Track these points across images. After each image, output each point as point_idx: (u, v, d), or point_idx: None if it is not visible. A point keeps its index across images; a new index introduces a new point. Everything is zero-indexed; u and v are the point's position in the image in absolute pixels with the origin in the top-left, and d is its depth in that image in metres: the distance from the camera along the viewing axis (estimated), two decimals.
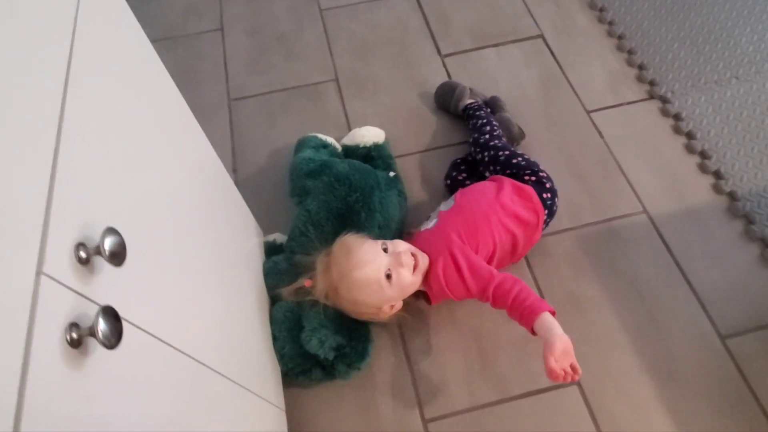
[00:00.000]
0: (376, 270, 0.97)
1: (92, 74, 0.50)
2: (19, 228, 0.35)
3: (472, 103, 1.33)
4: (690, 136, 1.33)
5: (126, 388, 0.44)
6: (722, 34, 1.50)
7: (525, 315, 0.92)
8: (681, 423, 1.01)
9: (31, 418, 0.32)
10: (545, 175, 1.15)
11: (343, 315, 1.04)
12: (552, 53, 1.52)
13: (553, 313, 0.92)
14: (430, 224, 1.09)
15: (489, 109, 1.33)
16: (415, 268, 1.00)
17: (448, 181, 1.27)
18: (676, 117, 1.36)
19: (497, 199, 1.08)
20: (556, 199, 1.14)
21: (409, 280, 1.00)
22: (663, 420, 1.02)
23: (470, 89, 1.37)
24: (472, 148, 1.23)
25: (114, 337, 0.38)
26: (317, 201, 1.12)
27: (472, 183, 1.21)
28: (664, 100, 1.40)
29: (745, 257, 1.17)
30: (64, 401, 0.36)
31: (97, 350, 0.39)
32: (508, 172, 1.15)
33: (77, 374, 0.37)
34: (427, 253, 1.03)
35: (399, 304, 1.04)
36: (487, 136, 1.21)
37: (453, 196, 1.13)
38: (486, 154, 1.18)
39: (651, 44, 1.50)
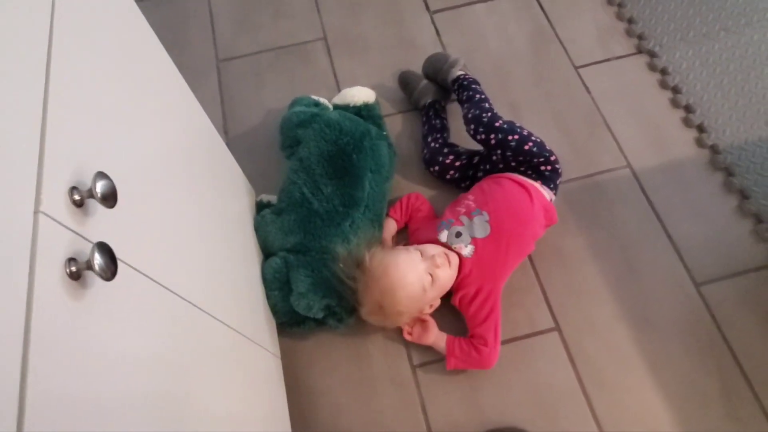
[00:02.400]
0: (419, 278, 1.01)
1: (77, 28, 0.52)
2: (15, 171, 0.38)
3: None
4: (676, 90, 1.35)
5: (123, 320, 0.47)
6: None
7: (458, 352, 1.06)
8: (654, 363, 1.07)
9: (38, 346, 0.36)
10: (555, 158, 1.12)
11: (331, 278, 1.04)
12: (542, 7, 1.51)
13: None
14: (465, 250, 1.06)
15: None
16: (449, 265, 1.04)
17: (435, 168, 1.22)
18: (663, 71, 1.37)
19: (534, 222, 1.10)
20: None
21: (447, 277, 1.04)
22: (639, 362, 1.08)
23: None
24: (471, 125, 1.15)
25: (110, 270, 0.41)
26: (308, 147, 1.14)
27: (462, 173, 1.20)
28: (651, 54, 1.40)
29: (722, 208, 1.21)
30: (67, 330, 0.40)
31: (95, 283, 0.43)
32: (521, 158, 1.11)
33: (78, 304, 0.41)
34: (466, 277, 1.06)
35: (437, 302, 1.08)
36: (490, 114, 1.14)
37: (486, 220, 1.06)
38: (494, 136, 1.11)
39: None
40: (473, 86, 1.25)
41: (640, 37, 1.42)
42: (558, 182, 1.15)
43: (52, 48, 0.46)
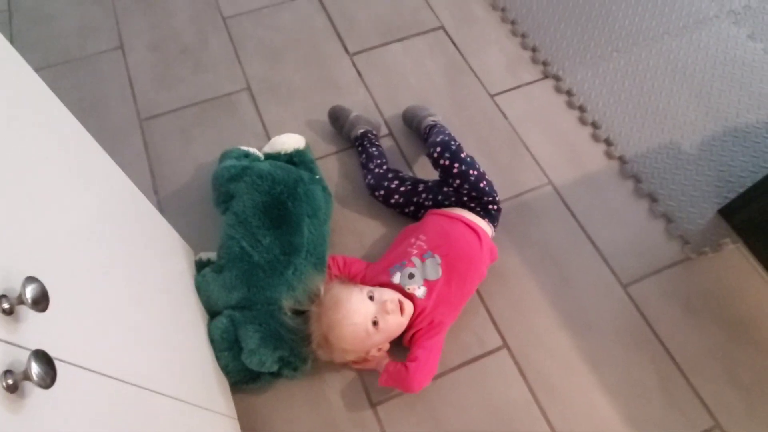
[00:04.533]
0: (363, 319, 1.02)
1: None
2: None
3: (367, 131, 1.36)
4: (582, 109, 1.47)
5: (67, 421, 0.46)
6: (601, 12, 1.65)
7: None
8: (598, 365, 1.15)
9: None
10: (499, 198, 1.21)
11: (280, 329, 1.05)
12: (453, 43, 1.61)
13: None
14: (418, 291, 1.09)
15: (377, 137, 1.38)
16: (402, 312, 1.05)
17: (381, 192, 1.25)
18: (569, 93, 1.50)
19: (482, 265, 1.15)
20: None
21: (396, 323, 1.05)
22: (583, 365, 1.15)
23: (356, 115, 1.38)
24: (438, 149, 1.15)
25: (49, 377, 0.40)
26: (242, 201, 1.14)
27: (407, 198, 1.23)
28: (556, 78, 1.53)
29: (636, 212, 1.32)
30: None
31: (34, 392, 0.42)
32: (474, 195, 1.17)
33: (18, 417, 0.40)
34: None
35: (386, 346, 1.09)
36: (458, 144, 1.17)
37: (438, 263, 1.10)
38: (457, 165, 1.15)
39: (541, 27, 1.62)
40: (444, 128, 1.30)
41: (545, 63, 1.55)
42: (499, 220, 1.23)
43: None
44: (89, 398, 0.51)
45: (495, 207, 1.20)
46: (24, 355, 0.42)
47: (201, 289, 1.10)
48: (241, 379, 1.07)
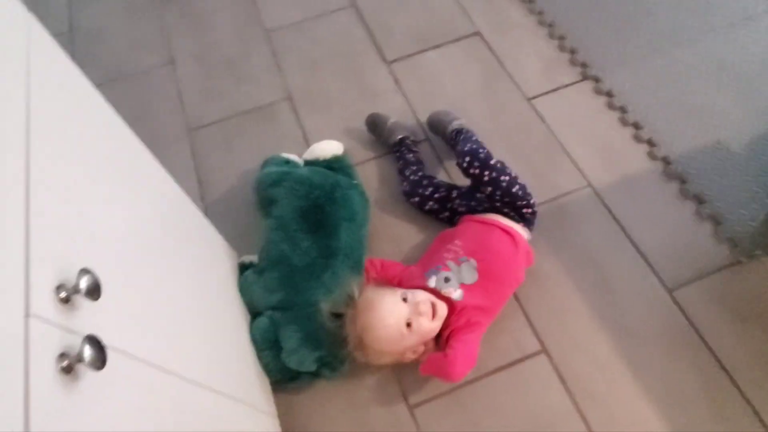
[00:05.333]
0: (397, 321, 1.03)
1: (50, 129, 0.56)
2: (4, 279, 0.41)
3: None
4: (623, 110, 1.44)
5: (116, 405, 0.50)
6: (642, 11, 1.61)
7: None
8: (640, 371, 1.11)
9: None
10: (535, 201, 1.18)
11: (319, 330, 1.08)
12: (490, 48, 1.61)
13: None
14: (455, 294, 1.09)
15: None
16: (434, 315, 1.06)
17: (416, 199, 1.28)
18: (608, 94, 1.47)
19: (519, 269, 1.15)
20: None
21: (429, 327, 1.06)
22: (625, 372, 1.11)
23: (393, 121, 1.40)
24: (467, 158, 1.15)
25: (99, 361, 0.44)
26: (281, 205, 1.18)
27: (441, 205, 1.25)
28: (596, 79, 1.50)
29: (682, 215, 1.28)
30: (64, 423, 0.42)
31: (86, 374, 0.45)
32: (507, 200, 1.16)
33: (72, 397, 0.43)
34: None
35: (421, 348, 1.09)
36: (486, 151, 1.17)
37: (474, 267, 1.11)
38: (487, 173, 1.14)
39: (579, 29, 1.60)
40: (470, 132, 1.31)
41: (584, 65, 1.52)
42: (535, 224, 1.21)
43: (30, 153, 0.50)
44: (135, 384, 0.55)
45: (530, 211, 1.19)
46: (77, 341, 0.46)
47: (243, 290, 1.14)
48: (281, 378, 1.11)
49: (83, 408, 0.45)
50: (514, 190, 1.16)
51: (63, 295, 0.46)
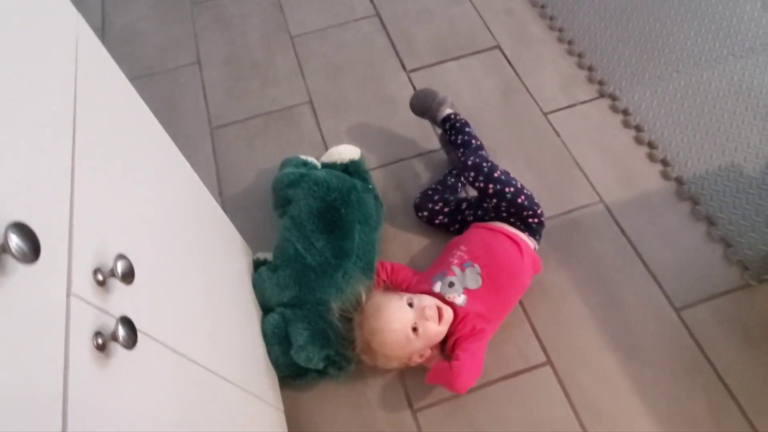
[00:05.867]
0: (403, 326, 1.05)
1: (93, 120, 0.59)
2: (50, 263, 0.45)
3: (455, 114, 1.35)
4: (638, 128, 1.45)
5: (142, 385, 0.53)
6: (662, 32, 1.63)
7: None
8: (645, 390, 1.12)
9: (74, 410, 0.41)
10: (542, 211, 1.19)
11: (328, 329, 1.10)
12: (509, 62, 1.64)
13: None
14: (458, 299, 1.11)
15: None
16: (440, 319, 1.07)
17: (425, 214, 1.29)
18: (625, 112, 1.48)
19: (524, 275, 1.16)
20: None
21: (435, 331, 1.08)
22: (627, 389, 1.12)
23: (452, 101, 1.40)
24: (471, 173, 1.17)
25: (132, 340, 0.47)
26: (298, 205, 1.22)
27: (451, 219, 1.27)
28: (613, 97, 1.52)
29: (693, 235, 1.29)
30: (96, 395, 0.45)
31: (117, 353, 0.48)
32: (513, 210, 1.17)
33: (104, 372, 0.46)
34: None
35: (428, 353, 1.10)
36: (489, 164, 1.18)
37: (478, 272, 1.12)
38: (492, 186, 1.16)
39: (598, 46, 1.62)
40: (466, 129, 1.32)
41: (601, 83, 1.54)
42: (542, 233, 1.22)
43: (75, 148, 0.53)
44: (160, 368, 0.58)
45: (536, 220, 1.19)
46: (111, 322, 0.49)
47: (257, 286, 1.17)
48: (289, 373, 1.13)
49: (114, 384, 0.48)
50: (519, 200, 1.17)
51: (100, 278, 0.49)
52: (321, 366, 1.11)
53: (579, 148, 1.44)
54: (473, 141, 1.31)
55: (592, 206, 1.35)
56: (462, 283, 1.13)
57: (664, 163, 1.39)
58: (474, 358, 1.08)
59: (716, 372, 1.13)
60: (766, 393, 1.10)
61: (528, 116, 1.52)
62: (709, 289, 1.22)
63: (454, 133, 1.33)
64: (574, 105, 1.52)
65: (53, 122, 0.52)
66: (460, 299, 1.11)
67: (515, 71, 1.61)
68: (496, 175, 1.17)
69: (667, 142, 1.42)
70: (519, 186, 1.18)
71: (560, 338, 1.19)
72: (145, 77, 1.69)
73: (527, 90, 1.57)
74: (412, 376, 1.16)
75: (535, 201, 1.19)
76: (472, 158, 1.19)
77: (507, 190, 1.16)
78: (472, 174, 1.17)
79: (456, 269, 1.15)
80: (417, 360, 1.11)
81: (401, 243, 1.34)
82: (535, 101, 1.54)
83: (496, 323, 1.14)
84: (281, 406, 1.11)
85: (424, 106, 1.39)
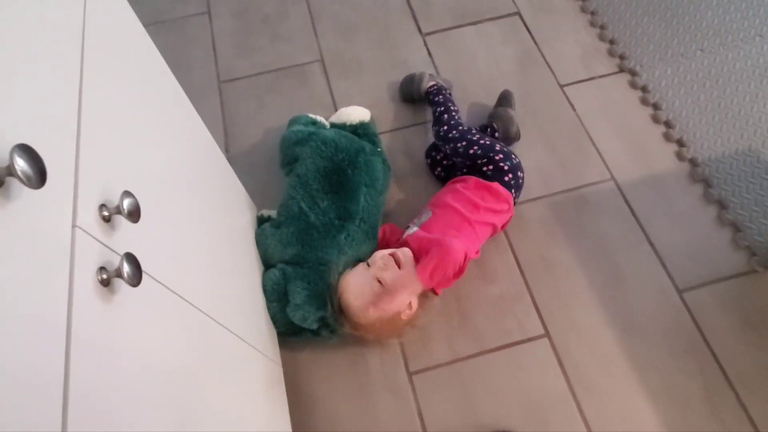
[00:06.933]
0: (367, 286, 1.07)
1: (102, 58, 0.57)
2: (56, 190, 0.43)
3: (432, 86, 1.40)
4: (656, 106, 1.42)
5: (144, 324, 0.52)
6: (689, 8, 1.57)
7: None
8: (641, 367, 1.12)
9: (77, 342, 0.41)
10: (501, 157, 1.18)
11: (326, 290, 1.10)
12: (528, 30, 1.59)
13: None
14: (410, 231, 1.17)
15: (448, 92, 1.40)
16: (398, 264, 1.08)
17: (429, 160, 1.36)
18: (644, 89, 1.45)
19: (469, 202, 1.15)
20: (519, 173, 1.19)
21: (398, 273, 1.07)
22: (625, 366, 1.13)
23: (430, 74, 1.42)
24: (440, 143, 1.28)
25: (136, 278, 0.46)
26: (305, 164, 1.20)
27: (448, 173, 1.30)
28: (633, 72, 1.48)
29: (703, 218, 1.27)
30: (99, 329, 0.45)
31: (121, 289, 0.48)
32: (469, 163, 1.22)
33: (108, 307, 0.46)
34: (417, 248, 1.11)
35: (414, 302, 1.09)
36: (445, 127, 1.27)
37: (428, 209, 1.20)
38: (447, 147, 1.25)
39: (622, 19, 1.57)
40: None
41: (622, 57, 1.50)
42: (507, 179, 1.18)
43: (83, 81, 0.51)
44: (163, 311, 0.57)
45: (491, 167, 1.18)
46: (116, 259, 0.48)
47: (259, 241, 1.17)
48: (286, 330, 1.13)
49: (117, 320, 0.47)
50: (471, 152, 1.21)
51: (105, 213, 0.48)
52: (315, 327, 1.11)
53: (594, 123, 1.41)
54: (438, 109, 1.34)
55: (602, 183, 1.33)
56: (418, 223, 1.19)
57: (680, 143, 1.36)
58: (453, 240, 1.06)
59: (714, 354, 1.13)
60: (762, 378, 1.10)
61: (544, 87, 1.48)
62: (714, 272, 1.21)
63: (433, 106, 1.38)
64: (592, 78, 1.49)
65: (59, 56, 0.50)
66: (411, 230, 1.16)
67: (534, 40, 1.56)
68: (450, 135, 1.26)
69: (684, 122, 1.39)
70: (474, 139, 1.22)
71: (560, 312, 1.19)
72: (153, 24, 1.65)
73: (545, 60, 1.53)
74: (411, 341, 1.16)
75: (496, 149, 1.19)
76: (434, 128, 1.31)
77: (459, 145, 1.23)
78: (442, 144, 1.28)
79: (415, 219, 1.21)
80: (408, 313, 1.09)
81: (406, 208, 1.32)
82: (553, 72, 1.50)
83: (465, 238, 1.11)
84: (279, 361, 1.12)
85: (409, 90, 1.44)
